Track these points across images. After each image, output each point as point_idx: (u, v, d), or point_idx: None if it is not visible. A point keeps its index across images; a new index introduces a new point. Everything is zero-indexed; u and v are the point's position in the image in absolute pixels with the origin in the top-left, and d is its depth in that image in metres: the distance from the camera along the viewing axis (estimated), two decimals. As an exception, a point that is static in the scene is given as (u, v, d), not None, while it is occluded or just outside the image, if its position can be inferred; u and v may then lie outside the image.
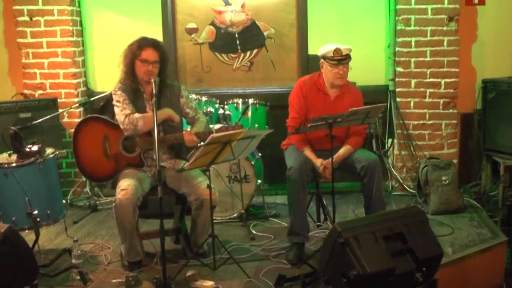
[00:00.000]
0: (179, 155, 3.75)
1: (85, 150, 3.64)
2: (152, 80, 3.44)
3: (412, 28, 4.81)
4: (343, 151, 3.84)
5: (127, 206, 3.35)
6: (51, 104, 4.77)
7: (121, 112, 3.52)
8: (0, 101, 4.66)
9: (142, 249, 3.60)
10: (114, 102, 3.57)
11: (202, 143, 3.23)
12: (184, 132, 3.58)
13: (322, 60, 3.86)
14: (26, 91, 5.08)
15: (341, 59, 3.76)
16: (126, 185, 3.41)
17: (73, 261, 3.47)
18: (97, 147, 3.60)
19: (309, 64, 4.99)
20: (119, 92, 3.56)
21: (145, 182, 3.56)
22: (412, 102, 4.91)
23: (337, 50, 3.76)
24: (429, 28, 4.79)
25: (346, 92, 3.94)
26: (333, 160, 3.67)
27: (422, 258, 2.84)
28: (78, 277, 3.38)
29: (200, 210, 3.52)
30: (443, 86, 4.86)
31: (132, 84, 3.58)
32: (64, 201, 4.52)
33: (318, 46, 3.90)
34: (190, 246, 3.71)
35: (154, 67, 3.52)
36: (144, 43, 3.53)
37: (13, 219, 3.55)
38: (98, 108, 3.99)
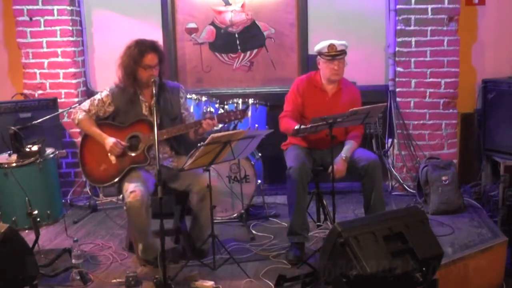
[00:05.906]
0: (179, 154, 3.75)
1: (90, 156, 3.61)
2: (152, 80, 3.44)
3: (412, 28, 4.81)
4: (349, 146, 3.82)
5: (139, 208, 3.36)
6: (51, 104, 4.77)
7: (84, 104, 3.62)
8: (0, 101, 4.66)
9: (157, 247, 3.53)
10: (95, 96, 3.64)
11: (202, 143, 3.23)
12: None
13: (318, 56, 3.87)
14: (26, 91, 5.07)
15: (336, 54, 3.77)
16: (134, 187, 3.41)
17: (73, 261, 3.47)
18: (101, 150, 3.55)
19: (309, 64, 4.99)
20: (104, 93, 3.62)
21: (149, 181, 3.54)
22: (412, 102, 4.91)
23: (331, 46, 3.78)
24: (429, 28, 4.79)
25: (343, 89, 3.94)
26: (345, 157, 3.73)
27: (422, 258, 2.84)
28: (78, 277, 3.38)
29: (202, 202, 3.51)
30: (443, 86, 4.86)
31: (130, 88, 3.58)
32: (64, 201, 4.51)
33: (318, 46, 3.90)
34: (190, 246, 3.69)
35: (156, 70, 3.53)
36: (144, 48, 3.50)
37: (13, 219, 3.56)
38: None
